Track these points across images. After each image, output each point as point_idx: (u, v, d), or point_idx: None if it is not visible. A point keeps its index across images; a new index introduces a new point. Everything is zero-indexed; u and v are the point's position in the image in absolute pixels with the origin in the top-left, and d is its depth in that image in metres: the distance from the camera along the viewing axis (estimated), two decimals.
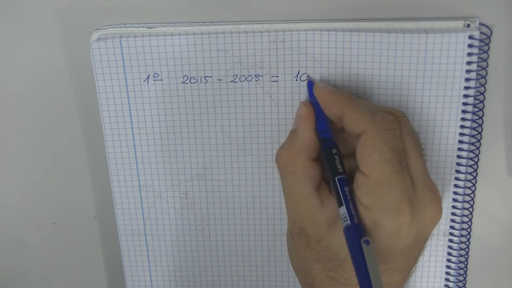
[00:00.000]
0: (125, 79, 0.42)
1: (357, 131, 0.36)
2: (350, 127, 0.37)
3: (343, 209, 0.36)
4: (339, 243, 0.36)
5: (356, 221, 0.35)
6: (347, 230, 0.35)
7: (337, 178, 0.37)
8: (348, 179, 0.37)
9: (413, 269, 0.40)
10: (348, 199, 0.36)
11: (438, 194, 0.37)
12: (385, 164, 0.35)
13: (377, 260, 0.35)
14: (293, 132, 0.40)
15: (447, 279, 0.46)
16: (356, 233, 0.35)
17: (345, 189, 0.36)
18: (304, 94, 0.42)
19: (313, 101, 0.40)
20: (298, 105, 0.40)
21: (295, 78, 0.41)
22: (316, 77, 0.41)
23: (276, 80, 0.42)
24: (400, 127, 0.37)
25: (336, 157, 0.37)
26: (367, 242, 0.34)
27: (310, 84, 0.40)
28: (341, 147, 0.39)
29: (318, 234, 0.38)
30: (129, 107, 0.43)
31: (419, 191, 0.36)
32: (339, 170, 0.37)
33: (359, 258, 0.34)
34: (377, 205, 0.35)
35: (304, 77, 0.41)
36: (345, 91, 0.41)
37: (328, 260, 0.37)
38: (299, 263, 0.41)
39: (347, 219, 0.35)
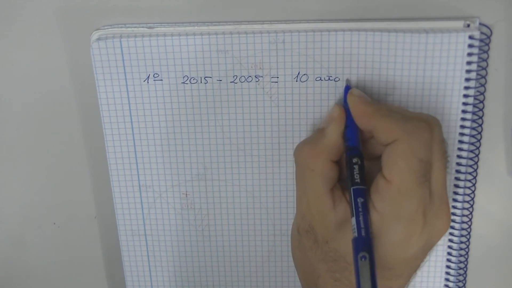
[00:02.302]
0: (125, 79, 0.42)
1: (388, 140, 0.36)
2: (381, 138, 0.36)
3: (353, 220, 0.36)
4: (348, 246, 0.36)
5: (363, 234, 0.35)
6: (354, 242, 0.36)
7: (353, 189, 0.37)
8: (366, 189, 0.37)
9: (414, 274, 0.40)
10: (360, 212, 0.36)
11: (449, 206, 0.38)
12: (410, 174, 0.35)
13: (384, 265, 0.36)
14: (321, 132, 0.39)
15: (447, 279, 0.46)
16: (358, 247, 0.35)
17: (358, 200, 0.36)
18: (304, 95, 0.42)
19: (346, 106, 0.39)
20: (332, 106, 0.40)
21: (295, 79, 0.41)
22: (316, 77, 0.41)
23: (276, 81, 0.42)
24: (432, 135, 0.36)
25: (356, 167, 0.37)
26: (364, 258, 0.35)
27: (347, 89, 0.40)
28: (366, 152, 0.39)
29: (327, 235, 0.38)
30: (129, 107, 0.43)
31: (435, 202, 0.36)
32: (356, 181, 0.37)
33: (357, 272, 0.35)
34: (392, 213, 0.36)
35: (304, 78, 0.41)
36: (379, 101, 0.41)
37: (334, 261, 0.38)
38: (303, 261, 0.41)
39: (355, 231, 0.36)
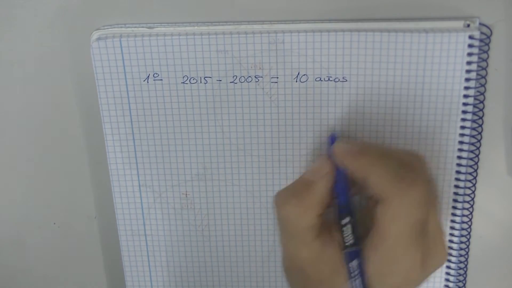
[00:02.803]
0: (125, 78, 0.42)
1: (380, 197, 0.34)
2: (374, 191, 0.35)
3: (349, 283, 0.36)
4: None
5: None
6: None
7: (345, 252, 0.36)
8: (360, 250, 0.36)
9: None
10: (355, 276, 0.35)
11: (444, 240, 0.37)
12: (401, 238, 0.34)
13: None
14: (308, 185, 0.37)
15: (447, 279, 0.46)
16: None
17: (349, 265, 0.36)
18: (304, 95, 0.42)
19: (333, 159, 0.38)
20: (318, 158, 0.38)
21: (295, 79, 0.41)
22: (316, 77, 0.41)
23: (276, 81, 0.42)
24: (428, 190, 0.35)
25: (346, 228, 0.36)
26: None
27: (333, 139, 0.39)
28: (363, 189, 0.37)
29: (321, 277, 0.37)
30: (129, 106, 0.43)
31: (431, 244, 0.36)
32: (347, 244, 0.36)
33: None
34: (389, 268, 0.35)
35: (304, 78, 0.41)
36: (370, 144, 0.39)
37: None
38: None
39: None
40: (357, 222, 0.37)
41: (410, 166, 0.35)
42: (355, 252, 0.36)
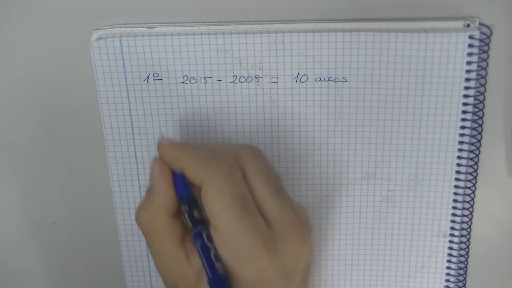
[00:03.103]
0: (125, 78, 0.42)
1: (197, 183, 0.35)
2: (192, 180, 0.36)
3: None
4: None
5: (210, 275, 0.35)
6: (208, 285, 0.35)
7: (192, 236, 0.36)
8: (202, 231, 0.36)
9: None
10: (202, 255, 0.35)
11: (301, 227, 0.36)
12: (228, 213, 0.34)
13: None
14: (150, 191, 0.38)
15: (447, 280, 0.46)
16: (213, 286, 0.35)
17: (196, 244, 0.36)
18: (304, 95, 0.42)
19: None
20: (153, 164, 0.38)
21: (295, 80, 0.41)
22: (316, 78, 0.41)
23: (276, 81, 0.42)
24: (246, 166, 0.36)
25: (186, 214, 0.37)
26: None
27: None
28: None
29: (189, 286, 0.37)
30: (129, 106, 0.43)
31: (277, 228, 0.36)
32: (189, 225, 0.36)
33: None
34: (232, 255, 0.35)
35: (304, 79, 0.41)
36: (186, 143, 0.41)
37: None
38: None
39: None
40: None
41: (221, 152, 0.37)
42: (198, 233, 0.36)
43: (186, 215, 0.37)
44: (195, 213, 0.37)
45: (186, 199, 0.37)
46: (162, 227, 0.37)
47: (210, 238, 0.36)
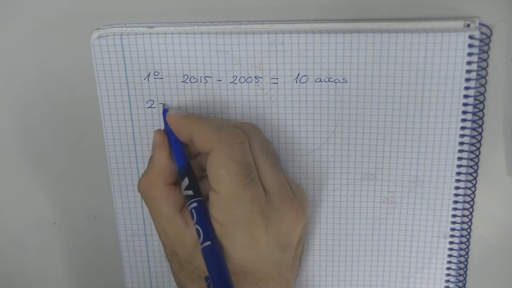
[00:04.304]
0: (126, 76, 0.42)
1: (206, 149, 0.37)
2: (200, 147, 0.38)
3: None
4: None
5: (206, 243, 0.36)
6: (203, 252, 0.37)
7: (188, 204, 0.38)
8: (201, 200, 0.38)
9: (295, 274, 0.41)
10: (194, 222, 0.37)
11: (295, 201, 0.38)
12: (232, 179, 0.36)
13: (242, 270, 0.37)
14: (150, 160, 0.40)
15: (447, 280, 0.46)
16: (207, 253, 0.36)
17: (192, 211, 0.38)
18: (304, 96, 0.42)
19: (167, 129, 0.41)
20: (155, 134, 0.41)
21: (295, 80, 0.41)
22: (316, 78, 0.41)
23: (276, 82, 0.42)
24: (249, 140, 0.38)
25: (186, 182, 0.39)
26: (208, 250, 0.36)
27: (165, 112, 0.41)
28: (199, 169, 0.40)
29: (187, 255, 0.39)
30: (130, 105, 0.43)
31: (274, 199, 0.37)
32: (188, 194, 0.38)
33: (215, 276, 0.36)
34: (229, 220, 0.36)
35: (304, 79, 0.41)
36: (194, 114, 0.42)
37: (200, 278, 0.38)
38: (178, 284, 0.42)
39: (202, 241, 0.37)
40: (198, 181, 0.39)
41: (229, 125, 0.39)
42: (196, 201, 0.38)
43: (184, 183, 0.38)
44: (192, 182, 0.38)
45: (184, 168, 0.39)
46: (159, 193, 0.39)
47: (205, 208, 0.38)
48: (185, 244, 0.39)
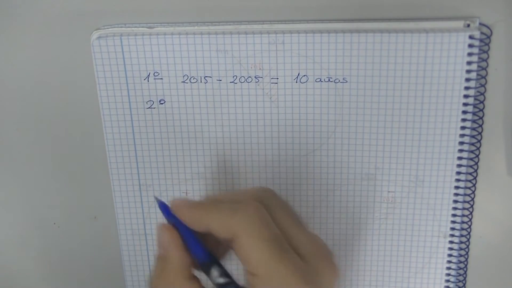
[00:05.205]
0: (126, 77, 0.42)
1: (228, 237, 0.35)
2: (220, 236, 0.35)
3: None
4: None
5: None
6: None
7: None
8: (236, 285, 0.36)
9: None
10: None
11: (330, 257, 0.37)
12: (267, 258, 0.34)
13: None
14: (162, 260, 0.37)
15: (447, 280, 0.46)
16: None
17: None
18: (304, 96, 0.42)
19: (172, 221, 0.37)
20: (157, 231, 0.37)
21: (295, 80, 0.41)
22: (316, 78, 0.41)
23: (276, 81, 0.42)
24: (269, 208, 0.36)
25: (217, 271, 0.36)
26: None
27: (163, 206, 0.38)
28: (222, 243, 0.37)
29: None
30: (130, 105, 0.43)
31: (311, 263, 0.36)
32: (225, 282, 0.36)
33: None
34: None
35: (304, 79, 0.41)
36: (206, 197, 0.40)
37: None
38: None
39: None
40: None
41: (241, 200, 0.36)
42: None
43: (214, 272, 0.36)
44: (224, 269, 0.36)
45: (208, 259, 0.36)
46: None
47: None
48: None
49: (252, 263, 0.34)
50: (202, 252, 0.36)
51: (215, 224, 0.35)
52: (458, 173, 0.43)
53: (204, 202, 0.37)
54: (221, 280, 0.36)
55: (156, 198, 0.38)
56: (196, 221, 0.36)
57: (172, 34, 0.41)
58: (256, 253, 0.34)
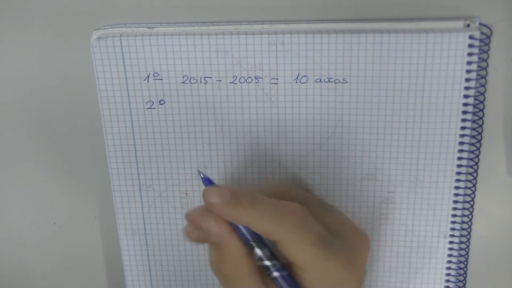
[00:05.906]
0: (126, 77, 0.42)
1: (271, 238, 0.35)
2: (263, 235, 0.36)
3: None
4: None
5: None
6: None
7: (275, 276, 0.36)
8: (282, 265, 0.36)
9: None
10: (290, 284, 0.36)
11: (360, 231, 0.38)
12: (315, 258, 0.35)
13: None
14: (218, 246, 0.36)
15: (447, 280, 0.46)
16: None
17: (279, 279, 0.36)
18: (304, 96, 0.42)
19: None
20: (199, 218, 0.36)
21: (295, 80, 0.41)
22: (316, 79, 0.41)
23: (276, 82, 0.42)
24: (303, 202, 0.36)
25: (263, 252, 0.36)
26: None
27: (208, 182, 0.37)
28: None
29: None
30: (130, 106, 0.43)
31: (351, 244, 0.37)
32: (271, 264, 0.36)
33: None
34: (326, 284, 0.36)
35: (304, 80, 0.41)
36: (243, 189, 0.40)
37: None
38: None
39: None
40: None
41: (282, 196, 0.37)
42: (283, 274, 0.36)
43: (263, 256, 0.36)
44: (268, 252, 0.37)
45: (259, 243, 0.37)
46: (247, 271, 0.36)
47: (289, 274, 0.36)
48: None
49: (299, 263, 0.35)
50: (244, 234, 0.37)
51: (257, 227, 0.35)
52: (458, 173, 0.43)
53: (239, 201, 0.35)
54: (264, 262, 0.36)
55: (199, 172, 0.38)
56: (236, 220, 0.36)
57: (172, 34, 0.41)
58: (302, 256, 0.35)
